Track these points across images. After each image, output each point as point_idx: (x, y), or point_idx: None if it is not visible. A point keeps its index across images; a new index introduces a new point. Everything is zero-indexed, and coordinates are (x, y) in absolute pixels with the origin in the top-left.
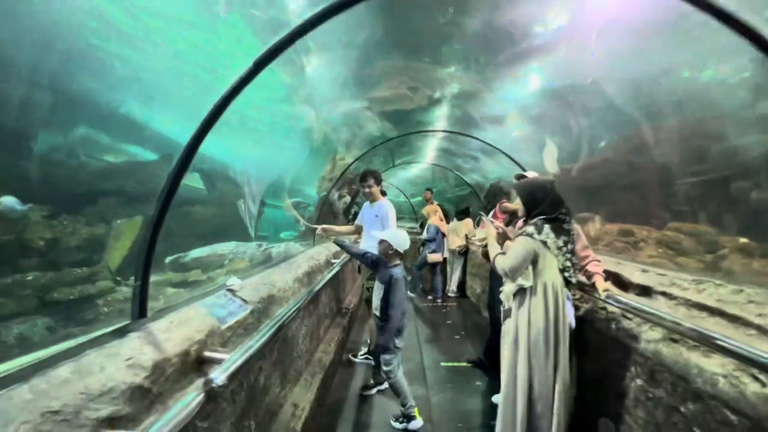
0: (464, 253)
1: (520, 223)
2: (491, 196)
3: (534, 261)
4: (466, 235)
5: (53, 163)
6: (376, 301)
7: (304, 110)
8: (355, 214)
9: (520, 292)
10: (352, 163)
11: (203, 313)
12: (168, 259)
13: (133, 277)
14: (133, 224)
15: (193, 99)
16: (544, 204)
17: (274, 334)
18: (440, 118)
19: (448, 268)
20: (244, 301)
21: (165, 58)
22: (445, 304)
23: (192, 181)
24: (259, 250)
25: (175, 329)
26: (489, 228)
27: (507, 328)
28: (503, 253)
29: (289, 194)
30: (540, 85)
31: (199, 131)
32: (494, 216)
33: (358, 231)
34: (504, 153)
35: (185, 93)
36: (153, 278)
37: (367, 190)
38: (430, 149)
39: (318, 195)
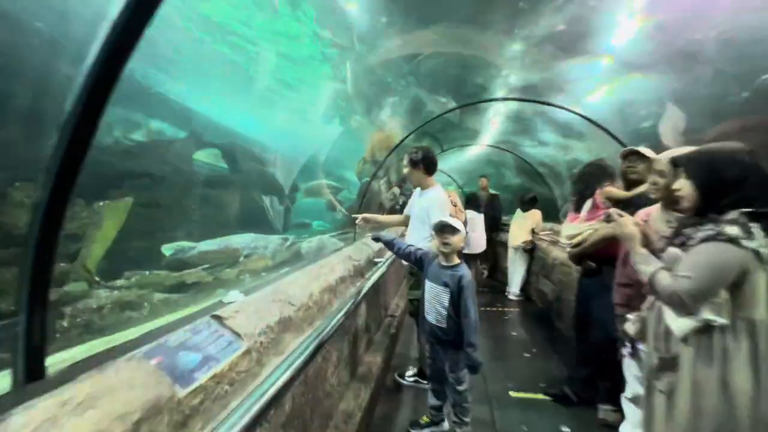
0: (530, 250)
1: (644, 214)
2: (588, 180)
3: (736, 283)
4: (533, 230)
5: None
6: (434, 312)
7: (341, 71)
8: (404, 205)
9: (703, 334)
10: (400, 142)
11: (146, 371)
12: (167, 252)
13: (119, 279)
14: (120, 207)
15: None
16: (745, 187)
17: (286, 384)
18: (504, 87)
19: (509, 267)
20: (237, 334)
21: None
22: (504, 309)
23: (211, 158)
24: (284, 245)
25: (70, 418)
26: (625, 226)
27: (667, 387)
28: (667, 269)
29: (325, 178)
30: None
31: None
32: (594, 207)
33: (407, 222)
34: (596, 124)
35: None
36: (136, 278)
37: (405, 171)
38: (488, 127)
39: (360, 180)
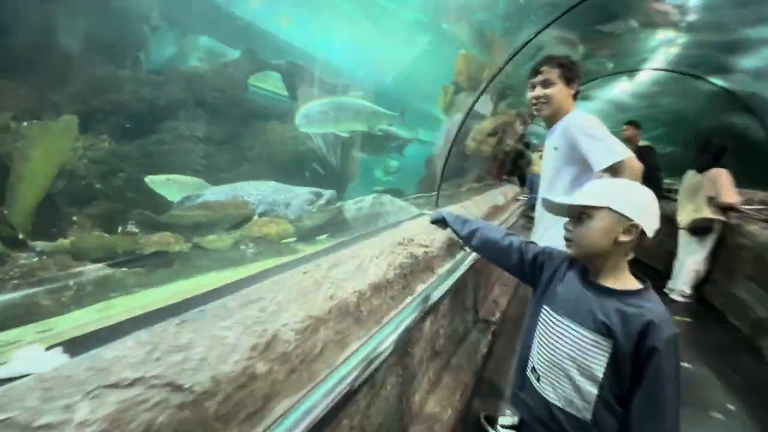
0: (704, 230)
1: None
2: None
3: None
4: (711, 198)
5: None
6: (561, 382)
7: None
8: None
9: None
10: (511, 58)
11: None
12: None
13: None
14: (57, 131)
15: None
16: None
17: None
18: None
19: (680, 253)
20: None
21: None
22: None
23: (268, 82)
24: (316, 203)
25: None
26: None
27: None
28: None
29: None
30: None
31: None
32: None
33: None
34: None
35: None
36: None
37: (533, 93)
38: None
39: (447, 117)
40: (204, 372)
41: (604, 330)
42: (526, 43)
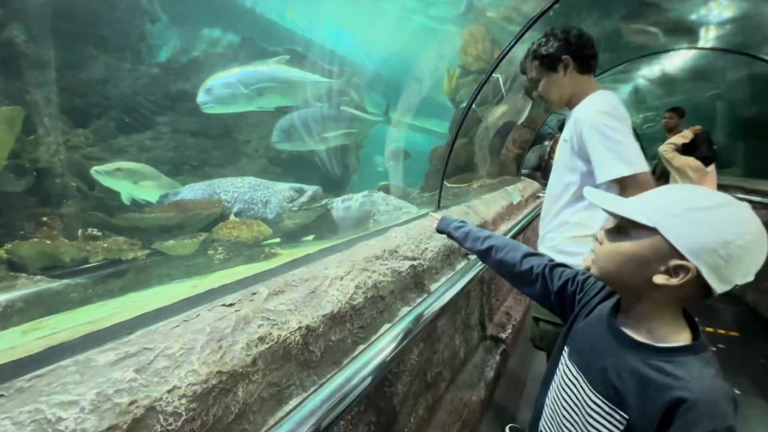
0: None
1: None
2: None
3: None
4: None
5: None
6: None
7: None
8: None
9: None
10: (522, 35)
11: None
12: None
13: None
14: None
15: None
16: None
17: None
18: None
19: None
20: None
21: None
22: (702, 325)
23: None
24: (297, 201)
25: None
26: None
27: None
28: None
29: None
30: None
31: None
32: None
33: None
34: None
35: None
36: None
37: (531, 74)
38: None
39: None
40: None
41: (614, 397)
42: (540, 15)
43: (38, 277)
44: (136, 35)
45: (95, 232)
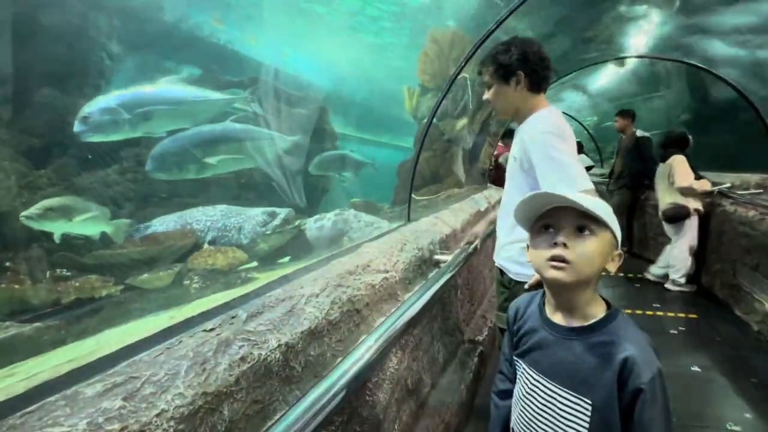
0: (675, 218)
1: None
2: None
3: None
4: (672, 184)
5: None
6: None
7: None
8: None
9: None
10: (472, 54)
11: None
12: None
13: None
14: None
15: None
16: None
17: None
18: None
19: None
20: None
21: None
22: (665, 314)
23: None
24: (270, 224)
25: None
26: None
27: None
28: None
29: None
30: None
31: None
32: None
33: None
34: None
35: None
36: None
37: (487, 94)
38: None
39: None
40: None
41: (577, 386)
42: (488, 35)
43: (7, 323)
44: (94, 72)
45: (65, 272)
